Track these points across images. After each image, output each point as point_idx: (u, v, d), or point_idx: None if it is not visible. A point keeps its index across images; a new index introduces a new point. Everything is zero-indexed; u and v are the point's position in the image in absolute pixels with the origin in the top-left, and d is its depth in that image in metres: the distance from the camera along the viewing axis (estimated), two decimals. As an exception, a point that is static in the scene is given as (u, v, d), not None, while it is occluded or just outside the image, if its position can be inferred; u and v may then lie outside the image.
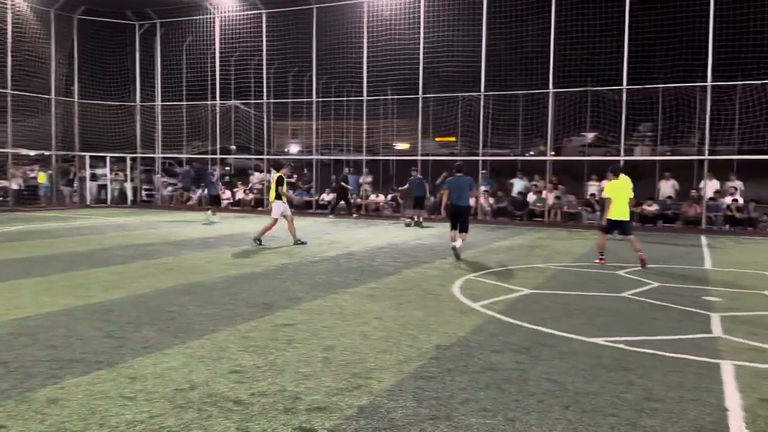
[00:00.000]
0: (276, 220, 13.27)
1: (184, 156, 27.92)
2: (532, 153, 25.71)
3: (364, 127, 23.54)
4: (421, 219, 18.62)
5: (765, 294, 8.43)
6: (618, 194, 10.96)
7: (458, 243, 11.39)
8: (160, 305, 7.04)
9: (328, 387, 4.45)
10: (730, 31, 17.89)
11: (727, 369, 5.00)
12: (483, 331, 6.09)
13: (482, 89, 21.05)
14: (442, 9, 21.40)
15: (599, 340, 5.85)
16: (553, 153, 21.89)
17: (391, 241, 14.17)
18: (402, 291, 8.17)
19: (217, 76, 25.59)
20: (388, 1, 22.37)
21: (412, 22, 21.94)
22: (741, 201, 18.76)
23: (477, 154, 21.87)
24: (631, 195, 11.28)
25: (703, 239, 16.11)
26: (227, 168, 30.18)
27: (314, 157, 25.05)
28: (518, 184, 21.91)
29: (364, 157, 23.85)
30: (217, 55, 25.41)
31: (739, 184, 19.30)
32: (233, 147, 27.73)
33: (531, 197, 20.98)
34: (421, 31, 21.62)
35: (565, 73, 20.27)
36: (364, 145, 23.85)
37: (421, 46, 21.60)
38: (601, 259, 11.27)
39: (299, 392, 4.33)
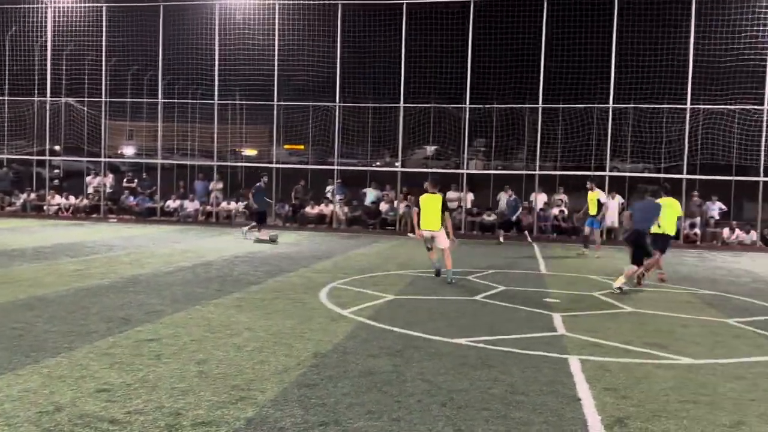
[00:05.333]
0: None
1: (4, 156, 25.04)
2: (378, 164, 26.59)
3: (215, 131, 22.77)
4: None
5: (594, 295, 9.54)
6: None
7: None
8: (1, 322, 6.32)
9: (209, 401, 4.33)
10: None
11: (574, 363, 5.62)
12: (356, 337, 6.25)
13: (337, 99, 21.36)
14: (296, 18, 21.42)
15: (462, 341, 6.27)
16: (398, 164, 22.82)
17: (249, 250, 13.89)
18: (269, 300, 8.09)
19: (48, 70, 23.28)
20: (242, 2, 21.93)
21: (266, 28, 21.66)
22: (566, 212, 20.93)
23: (329, 163, 22.14)
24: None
25: (535, 246, 17.70)
26: (56, 171, 27.53)
27: (158, 160, 23.55)
28: (371, 194, 22.53)
29: (215, 163, 23.01)
30: (49, 47, 23.16)
31: (564, 197, 21.52)
32: (57, 147, 25.33)
33: (383, 207, 21.66)
34: (276, 38, 21.42)
35: (414, 88, 21.29)
36: (215, 150, 23.05)
37: (276, 52, 21.40)
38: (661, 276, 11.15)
39: (179, 408, 4.16)
